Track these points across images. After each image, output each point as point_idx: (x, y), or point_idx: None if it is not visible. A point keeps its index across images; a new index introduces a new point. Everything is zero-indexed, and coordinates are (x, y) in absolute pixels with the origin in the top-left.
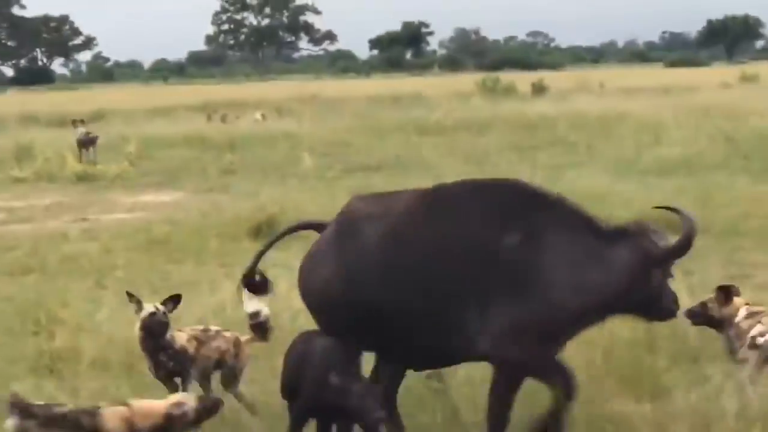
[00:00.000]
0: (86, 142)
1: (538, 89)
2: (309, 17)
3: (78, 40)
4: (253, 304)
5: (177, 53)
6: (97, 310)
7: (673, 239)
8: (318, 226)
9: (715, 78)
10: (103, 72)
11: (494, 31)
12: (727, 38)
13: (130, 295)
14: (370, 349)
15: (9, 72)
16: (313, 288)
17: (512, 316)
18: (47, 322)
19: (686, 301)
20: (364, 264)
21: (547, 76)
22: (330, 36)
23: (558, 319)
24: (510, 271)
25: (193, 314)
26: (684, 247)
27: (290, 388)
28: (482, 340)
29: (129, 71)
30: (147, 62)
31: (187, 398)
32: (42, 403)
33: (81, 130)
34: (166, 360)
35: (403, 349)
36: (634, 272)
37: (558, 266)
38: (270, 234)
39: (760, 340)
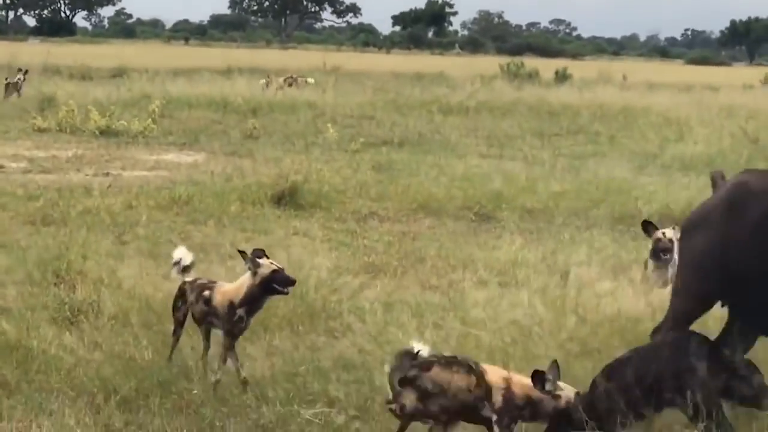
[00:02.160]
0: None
1: (562, 77)
2: None
3: None
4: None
5: (199, 15)
6: (119, 265)
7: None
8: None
9: (737, 78)
10: (125, 28)
11: (517, 16)
12: (750, 40)
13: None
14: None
15: (31, 21)
16: (693, 248)
17: None
18: (68, 274)
19: None
20: (747, 237)
21: (569, 65)
22: (353, 9)
23: None
24: None
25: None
26: None
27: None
28: None
29: (150, 30)
30: (169, 22)
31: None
32: None
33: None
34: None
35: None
36: None
37: None
38: (292, 203)
39: None
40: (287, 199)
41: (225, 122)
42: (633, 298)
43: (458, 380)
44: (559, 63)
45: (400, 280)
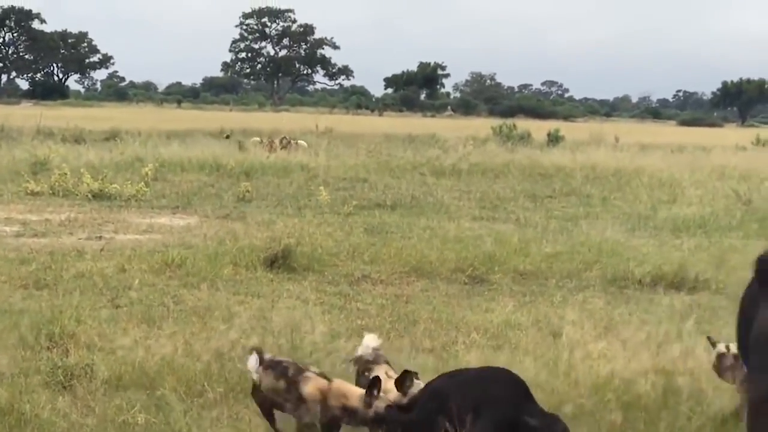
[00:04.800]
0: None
1: (554, 139)
2: (327, 51)
3: (95, 58)
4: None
5: (192, 77)
6: (112, 328)
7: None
8: None
9: (728, 139)
10: (117, 91)
11: (509, 78)
12: (741, 101)
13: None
14: None
15: (24, 84)
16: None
17: None
18: (61, 338)
19: (703, 359)
20: None
21: (562, 126)
22: (346, 71)
23: None
24: None
25: (207, 342)
26: None
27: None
28: None
29: (143, 92)
30: (161, 85)
31: None
32: None
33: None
34: None
35: None
36: None
37: None
38: (285, 265)
39: None
40: (280, 262)
41: (218, 185)
42: (626, 360)
43: (267, 381)
44: (551, 125)
45: (393, 342)
